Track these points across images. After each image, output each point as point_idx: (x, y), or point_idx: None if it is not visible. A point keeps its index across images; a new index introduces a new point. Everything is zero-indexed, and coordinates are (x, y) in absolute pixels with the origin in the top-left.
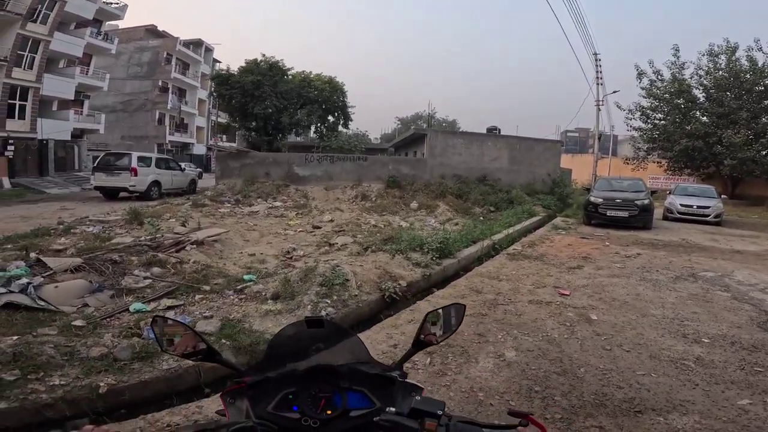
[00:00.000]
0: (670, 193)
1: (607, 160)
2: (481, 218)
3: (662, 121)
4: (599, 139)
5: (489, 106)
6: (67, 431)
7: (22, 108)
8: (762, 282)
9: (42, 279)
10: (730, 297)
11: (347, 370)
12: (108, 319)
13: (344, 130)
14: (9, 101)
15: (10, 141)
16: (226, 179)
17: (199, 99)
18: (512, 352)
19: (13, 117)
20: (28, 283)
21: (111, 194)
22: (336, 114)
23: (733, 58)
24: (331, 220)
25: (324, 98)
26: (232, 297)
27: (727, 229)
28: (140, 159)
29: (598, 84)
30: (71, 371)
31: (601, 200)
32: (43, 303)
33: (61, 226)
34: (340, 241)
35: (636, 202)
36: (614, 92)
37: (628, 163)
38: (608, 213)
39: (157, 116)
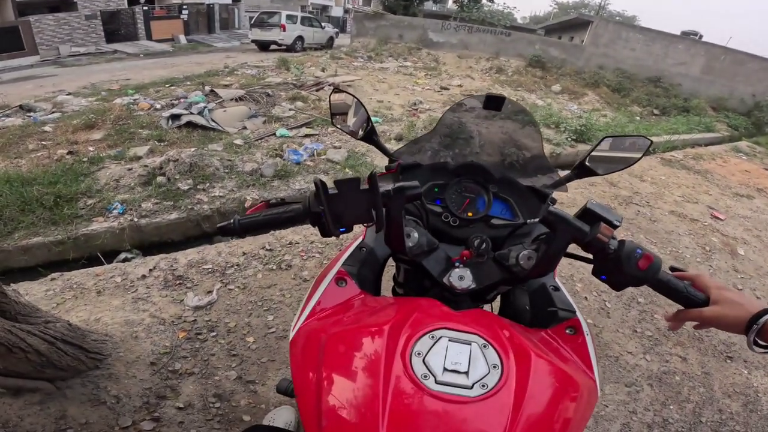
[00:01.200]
0: None
1: None
2: (638, 118)
3: None
4: None
5: (695, 12)
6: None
7: None
8: None
9: (214, 105)
10: None
11: (498, 174)
12: (259, 141)
13: (488, 3)
14: None
15: (184, 6)
16: (361, 38)
17: None
18: None
19: None
20: (204, 107)
21: (264, 46)
22: None
23: None
24: (460, 85)
25: None
26: None
27: None
28: (288, 17)
29: None
30: (228, 183)
31: None
32: (214, 124)
33: (227, 69)
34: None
35: None
36: None
37: None
38: None
39: None
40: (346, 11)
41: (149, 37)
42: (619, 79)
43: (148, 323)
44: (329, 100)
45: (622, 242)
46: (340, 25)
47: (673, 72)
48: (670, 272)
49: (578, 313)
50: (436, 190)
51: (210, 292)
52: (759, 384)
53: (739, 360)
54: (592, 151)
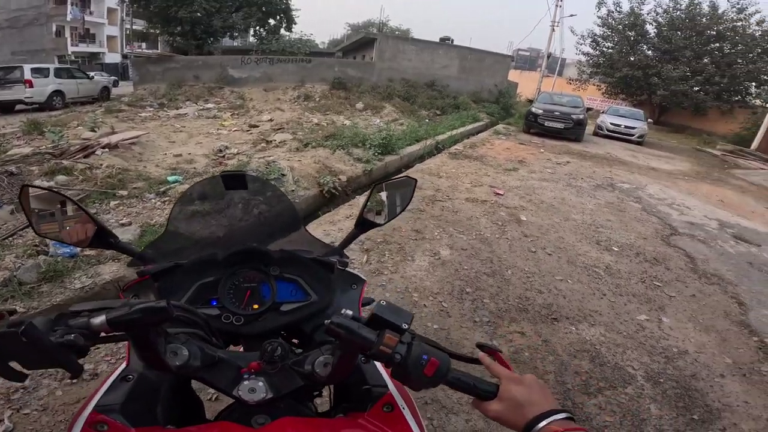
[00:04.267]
0: (603, 112)
1: (552, 78)
2: (427, 120)
3: (610, 50)
4: (548, 58)
5: (445, 19)
6: None
7: None
8: (669, 197)
9: None
10: (640, 208)
11: (277, 254)
12: (10, 238)
13: (287, 34)
14: None
15: None
16: (146, 84)
17: (109, 7)
18: (447, 251)
19: None
20: None
21: (5, 109)
22: (278, 17)
23: (696, 1)
24: (271, 120)
25: (263, 0)
26: (153, 200)
27: (648, 149)
28: (35, 70)
29: (557, 6)
30: None
31: (541, 111)
32: None
33: None
34: (278, 138)
35: (572, 116)
36: (571, 15)
37: (570, 83)
38: (546, 123)
39: (54, 29)
40: (125, 56)
41: None
42: (406, 89)
43: None
44: (20, 200)
45: (409, 347)
46: (119, 72)
47: (441, 75)
48: (458, 370)
49: (390, 386)
50: (208, 287)
51: (1, 421)
52: (591, 337)
53: (563, 319)
54: (367, 203)
